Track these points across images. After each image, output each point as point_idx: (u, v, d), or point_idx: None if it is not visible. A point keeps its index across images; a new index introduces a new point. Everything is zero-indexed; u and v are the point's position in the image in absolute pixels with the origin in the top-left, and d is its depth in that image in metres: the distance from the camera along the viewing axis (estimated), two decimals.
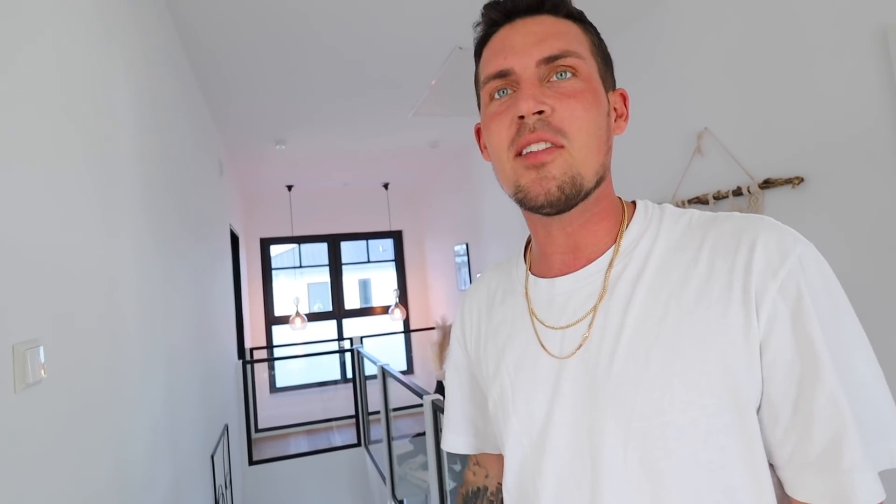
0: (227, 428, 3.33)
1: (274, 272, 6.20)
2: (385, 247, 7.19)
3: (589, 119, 0.53)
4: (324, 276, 6.57)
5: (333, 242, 6.39)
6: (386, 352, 6.36)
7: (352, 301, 7.18)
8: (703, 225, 0.54)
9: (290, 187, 5.75)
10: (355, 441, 4.81)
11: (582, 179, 0.53)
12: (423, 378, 6.29)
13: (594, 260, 0.57)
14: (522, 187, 0.54)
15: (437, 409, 2.33)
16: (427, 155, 4.90)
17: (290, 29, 2.35)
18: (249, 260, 5.87)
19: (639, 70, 2.54)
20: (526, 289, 0.62)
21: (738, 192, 2.05)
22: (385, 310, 6.28)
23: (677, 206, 2.62)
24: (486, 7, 0.59)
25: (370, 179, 5.94)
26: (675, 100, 2.33)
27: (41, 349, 0.87)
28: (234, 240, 4.67)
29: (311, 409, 5.75)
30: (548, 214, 0.55)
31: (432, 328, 6.20)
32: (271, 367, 6.07)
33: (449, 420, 0.74)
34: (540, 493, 0.55)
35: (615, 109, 0.59)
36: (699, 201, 2.23)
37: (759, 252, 0.48)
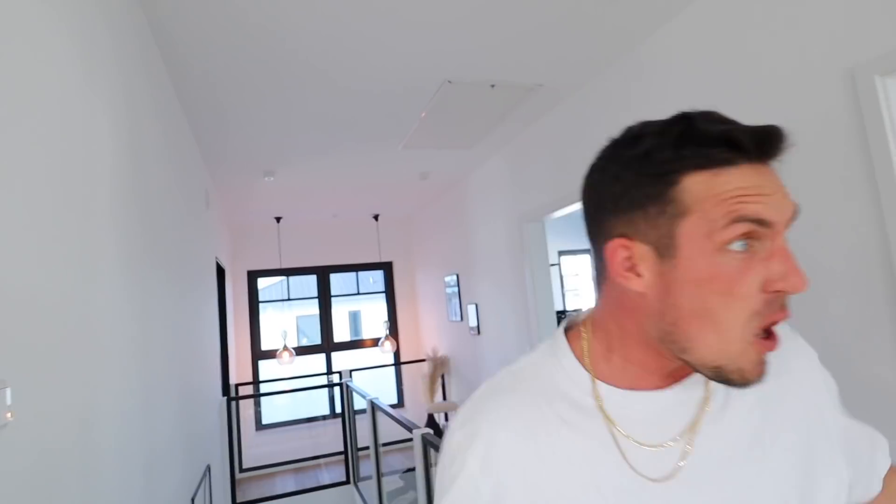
0: (209, 469, 3.21)
1: (261, 305, 6.11)
2: (375, 278, 7.14)
3: None
4: (313, 308, 6.49)
5: (322, 274, 6.34)
6: (376, 385, 6.24)
7: (342, 333, 7.08)
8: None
9: (278, 219, 5.73)
10: (344, 478, 4.66)
11: None
12: (414, 411, 6.16)
13: (686, 374, 0.54)
14: (745, 371, 0.47)
15: (428, 444, 2.26)
16: (417, 186, 4.92)
17: (281, 61, 2.37)
18: (236, 293, 5.79)
19: (624, 103, 2.59)
20: (600, 403, 0.53)
21: None
22: (375, 342, 6.19)
23: None
24: (737, 130, 0.47)
25: (360, 211, 5.93)
26: None
27: (8, 391, 0.82)
28: (221, 273, 4.61)
29: (299, 446, 5.59)
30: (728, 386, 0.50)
31: (423, 360, 6.12)
32: (257, 404, 5.91)
33: None
34: None
35: None
36: None
37: (818, 368, 0.62)
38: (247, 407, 5.68)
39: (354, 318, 15.16)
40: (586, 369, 0.55)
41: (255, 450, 5.48)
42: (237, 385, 5.22)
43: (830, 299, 1.76)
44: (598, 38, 2.40)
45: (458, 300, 5.13)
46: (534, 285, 3.57)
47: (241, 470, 5.08)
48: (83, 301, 1.19)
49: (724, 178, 0.46)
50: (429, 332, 6.26)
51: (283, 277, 6.43)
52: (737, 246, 0.46)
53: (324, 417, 6.09)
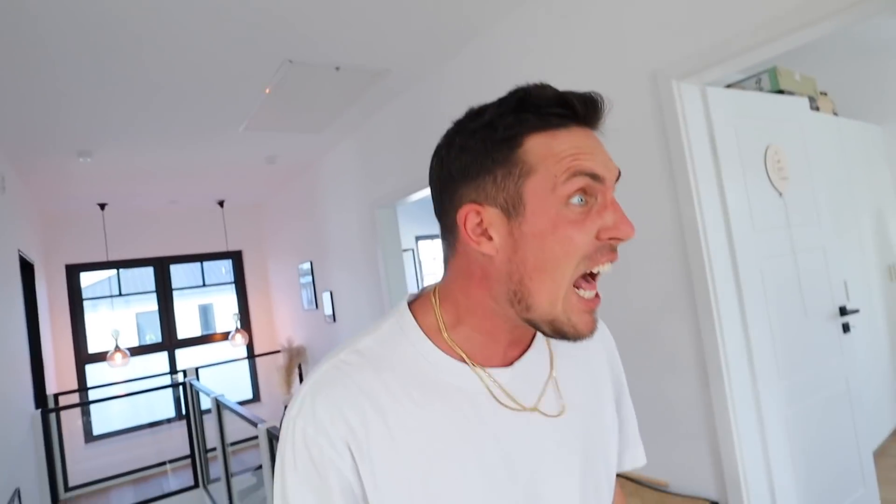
0: (17, 493, 2.78)
1: (87, 303, 5.38)
2: (227, 268, 6.67)
3: None
4: (154, 303, 5.88)
5: (161, 266, 5.74)
6: (229, 381, 5.87)
7: (191, 329, 6.49)
8: None
9: (102, 206, 5.05)
10: (192, 483, 4.34)
11: None
12: (271, 405, 5.92)
13: (528, 346, 0.62)
14: (573, 324, 0.53)
15: (273, 438, 2.18)
16: (264, 171, 4.65)
17: (95, 30, 2.07)
18: (52, 291, 5.03)
19: (470, 92, 2.70)
20: (482, 379, 0.56)
21: None
22: (226, 336, 5.80)
23: None
24: (570, 94, 0.52)
25: (202, 197, 5.46)
26: None
27: None
28: (28, 268, 3.96)
29: (142, 454, 5.06)
30: (564, 340, 0.56)
31: (278, 351, 5.88)
32: (86, 413, 5.22)
33: None
34: None
35: None
36: None
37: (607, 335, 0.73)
38: (73, 418, 5.00)
39: (205, 311, 14.08)
40: (440, 347, 0.57)
41: (85, 464, 4.85)
42: (56, 395, 4.55)
43: (640, 275, 2.02)
44: (443, 26, 2.45)
45: (312, 288, 5.00)
46: (386, 271, 3.60)
47: (67, 489, 4.47)
48: None
49: (560, 139, 0.52)
50: (283, 323, 6.02)
51: (113, 271, 5.72)
52: (575, 200, 0.51)
53: (168, 420, 5.59)
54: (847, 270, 2.70)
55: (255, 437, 5.53)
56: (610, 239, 0.52)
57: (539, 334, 0.62)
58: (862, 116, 3.49)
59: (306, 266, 5.06)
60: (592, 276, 0.54)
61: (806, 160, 2.27)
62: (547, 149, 0.51)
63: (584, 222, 0.51)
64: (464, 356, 0.57)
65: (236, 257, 6.20)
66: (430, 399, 0.55)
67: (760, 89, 2.57)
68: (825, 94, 3.26)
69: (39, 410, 3.73)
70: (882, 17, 1.45)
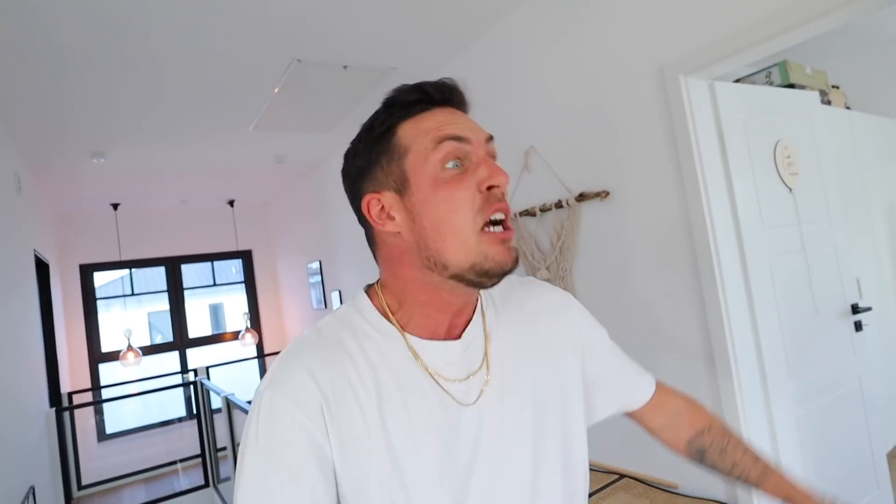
0: (32, 490, 2.82)
1: (100, 303, 5.45)
2: (237, 268, 6.72)
3: (508, 195, 0.62)
4: (166, 303, 5.94)
5: (173, 266, 5.80)
6: (239, 380, 5.91)
7: (202, 328, 6.54)
8: (528, 289, 0.75)
9: (115, 206, 5.11)
10: (202, 482, 4.37)
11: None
12: None
13: (471, 317, 0.66)
14: (491, 257, 0.57)
15: None
16: (274, 170, 4.69)
17: (106, 31, 2.10)
18: (66, 290, 5.10)
19: (475, 90, 2.68)
20: (416, 354, 0.61)
21: (559, 205, 2.24)
22: (236, 336, 5.85)
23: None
24: (424, 83, 0.60)
25: (213, 196, 5.51)
26: (506, 119, 2.50)
27: None
28: (44, 268, 4.02)
29: (153, 452, 5.12)
30: (493, 284, 0.60)
31: None
32: (99, 412, 5.29)
33: None
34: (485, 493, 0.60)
35: None
36: (528, 213, 2.40)
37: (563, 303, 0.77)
38: (86, 417, 5.07)
39: (216, 310, 14.20)
40: (392, 323, 0.62)
41: (98, 463, 4.92)
42: (70, 393, 4.62)
43: (646, 272, 2.00)
44: (450, 23, 2.45)
45: (321, 287, 5.02)
46: None
47: (80, 487, 4.53)
48: None
49: (425, 119, 0.60)
50: (293, 322, 6.06)
51: (126, 271, 5.79)
52: (450, 165, 0.58)
53: (180, 419, 5.64)
54: (859, 268, 2.66)
55: None
56: (489, 189, 0.58)
57: (477, 312, 0.67)
58: (874, 109, 3.44)
59: (315, 265, 5.09)
60: (494, 223, 0.59)
61: (816, 155, 2.24)
62: (415, 129, 0.60)
63: (462, 180, 0.58)
64: (399, 330, 0.62)
65: (246, 257, 6.25)
66: (384, 367, 0.60)
67: (770, 83, 2.54)
68: (837, 87, 3.22)
69: (54, 409, 3.78)
70: (893, 9, 1.43)
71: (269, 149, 4.03)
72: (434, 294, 0.62)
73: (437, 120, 0.59)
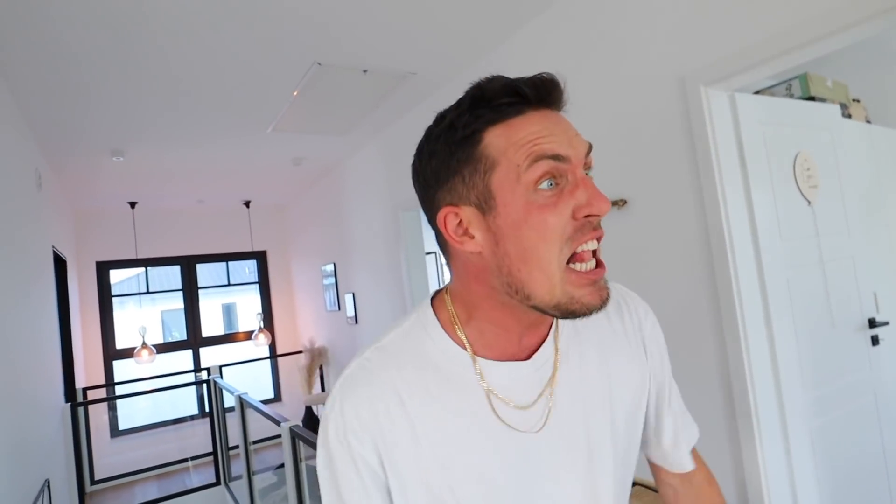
0: (47, 483, 2.87)
1: (116, 300, 5.52)
2: (251, 269, 6.78)
3: None
4: (180, 302, 6.01)
5: (188, 265, 5.87)
6: (251, 380, 5.96)
7: (214, 327, 6.59)
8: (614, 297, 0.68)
9: (133, 204, 5.19)
10: (214, 480, 4.41)
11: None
12: (292, 405, 5.99)
13: (546, 336, 0.61)
14: (577, 299, 0.52)
15: (296, 437, 2.21)
16: (291, 172, 4.73)
17: (128, 31, 2.15)
18: (83, 287, 5.18)
19: None
20: (481, 374, 0.58)
21: None
22: (249, 336, 5.89)
23: None
24: (518, 82, 0.52)
25: (229, 197, 5.57)
26: None
27: None
28: (61, 264, 4.09)
29: (165, 449, 5.17)
30: (579, 318, 0.54)
31: (300, 352, 5.95)
32: (112, 408, 5.35)
33: None
34: None
35: None
36: None
37: (643, 316, 0.70)
38: (99, 413, 5.13)
39: (228, 310, 14.29)
40: (455, 341, 0.59)
41: (111, 458, 4.98)
42: (85, 389, 4.69)
43: (662, 282, 2.00)
44: (470, 30, 2.47)
45: (335, 290, 5.05)
46: (409, 274, 3.63)
47: (94, 482, 4.58)
48: None
49: (517, 127, 0.52)
50: (305, 323, 6.10)
51: (141, 269, 5.87)
52: (544, 185, 0.51)
53: (192, 417, 5.69)
54: (877, 282, 2.63)
55: (277, 436, 5.60)
56: (586, 217, 0.51)
57: (552, 330, 0.62)
58: (894, 123, 3.41)
59: (329, 268, 5.12)
60: (587, 273, 0.54)
61: (836, 168, 2.23)
62: (506, 140, 0.51)
63: (557, 205, 0.51)
64: (468, 348, 0.58)
65: (261, 257, 6.30)
66: (443, 390, 0.57)
67: (791, 95, 2.53)
68: (858, 100, 3.19)
69: (69, 404, 3.83)
70: None
71: (287, 151, 4.08)
72: (509, 314, 0.57)
73: (533, 130, 0.51)
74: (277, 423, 2.37)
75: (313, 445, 2.11)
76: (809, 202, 2.13)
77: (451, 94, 2.68)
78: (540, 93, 0.53)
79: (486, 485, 0.56)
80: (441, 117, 0.56)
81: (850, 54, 3.24)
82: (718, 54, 1.75)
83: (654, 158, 1.98)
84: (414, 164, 0.59)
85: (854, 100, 3.15)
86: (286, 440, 2.25)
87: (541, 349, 0.60)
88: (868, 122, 3.21)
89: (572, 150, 0.52)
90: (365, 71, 2.77)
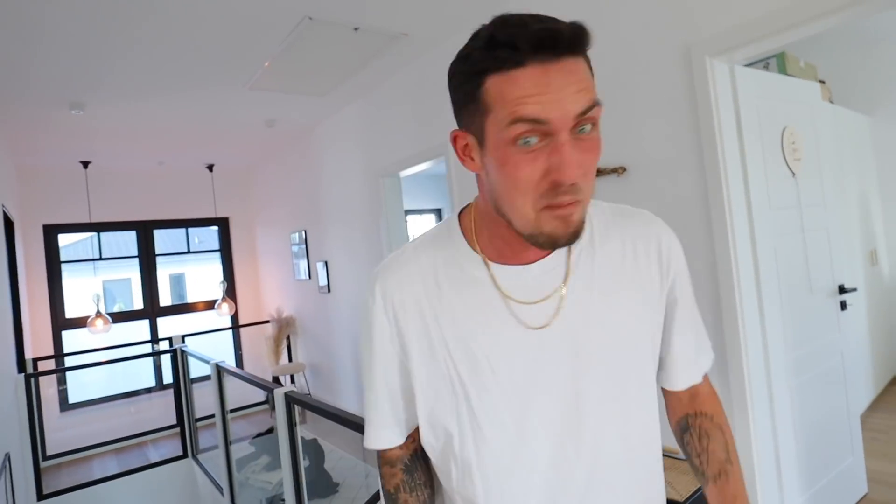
0: (8, 458, 2.70)
1: (64, 266, 5.17)
2: (202, 237, 6.50)
3: (595, 169, 0.58)
4: (123, 272, 5.71)
5: (145, 230, 5.56)
6: (211, 350, 5.77)
7: (163, 299, 6.30)
8: (618, 216, 0.72)
9: (86, 164, 4.84)
10: (180, 453, 4.28)
11: (585, 218, 0.60)
12: (257, 374, 5.85)
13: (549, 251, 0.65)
14: (546, 233, 0.57)
15: (292, 402, 2.17)
16: (261, 135, 4.53)
17: None
18: (28, 252, 4.82)
19: None
20: (492, 277, 0.65)
21: None
22: (209, 305, 5.69)
23: None
24: (518, 34, 0.52)
25: (192, 159, 5.29)
26: None
27: None
28: (9, 226, 3.79)
29: (120, 423, 4.95)
30: (551, 249, 0.61)
31: (266, 322, 5.80)
32: (62, 381, 5.06)
33: (378, 416, 0.71)
34: (536, 452, 0.64)
35: None
36: None
37: (664, 241, 0.72)
38: (47, 386, 4.84)
39: (178, 281, 13.77)
40: (473, 248, 0.67)
41: (62, 433, 4.73)
42: (35, 360, 4.40)
43: None
44: None
45: (305, 258, 4.93)
46: (389, 241, 3.58)
47: (45, 458, 4.35)
48: None
49: (511, 82, 0.53)
50: (271, 292, 5.94)
51: (93, 234, 5.51)
52: (521, 142, 0.53)
53: (149, 390, 5.48)
54: (843, 252, 2.82)
55: (249, 406, 5.47)
56: (553, 181, 0.54)
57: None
58: (852, 105, 3.62)
59: (299, 235, 4.98)
60: (557, 207, 0.57)
61: (815, 143, 2.35)
62: (499, 92, 0.54)
63: (533, 162, 0.54)
64: (480, 254, 0.66)
65: (223, 224, 6.05)
66: (464, 284, 0.66)
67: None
68: (823, 82, 3.36)
69: (23, 375, 3.60)
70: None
71: (260, 112, 3.89)
72: (507, 231, 0.62)
73: (524, 87, 0.52)
74: (270, 390, 2.31)
75: (312, 409, 2.08)
76: (794, 174, 2.23)
77: (440, 58, 2.66)
78: (540, 46, 0.52)
79: (495, 376, 0.63)
80: (472, 37, 0.58)
81: (817, 36, 3.39)
82: (723, 26, 1.78)
83: (655, 126, 2.02)
84: (450, 72, 0.61)
85: (820, 80, 3.31)
86: (280, 406, 2.20)
87: (549, 256, 0.65)
88: (831, 102, 3.39)
89: (559, 112, 0.52)
90: (356, 29, 2.66)
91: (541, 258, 0.65)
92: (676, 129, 1.96)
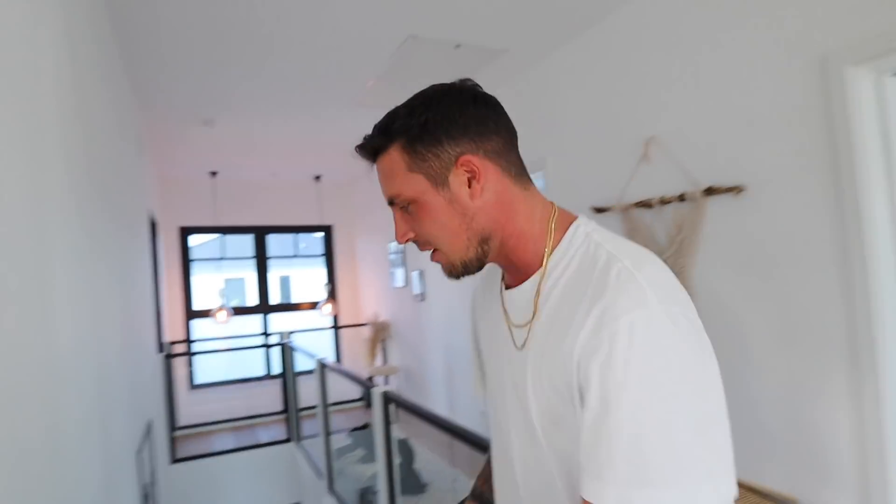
0: (150, 424, 3.11)
1: (193, 264, 5.84)
2: (307, 242, 6.99)
3: (438, 226, 0.68)
4: (240, 271, 6.30)
5: (259, 235, 6.13)
6: (312, 347, 6.20)
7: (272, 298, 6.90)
8: (600, 283, 0.59)
9: (213, 174, 5.44)
10: (285, 437, 4.66)
11: (457, 264, 0.70)
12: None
13: (531, 276, 0.70)
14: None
15: (388, 401, 2.31)
16: None
17: (230, 4, 2.24)
18: (168, 250, 5.50)
19: (590, 76, 2.64)
20: (501, 294, 0.76)
21: (682, 198, 2.14)
22: (312, 306, 6.12)
23: (623, 209, 2.58)
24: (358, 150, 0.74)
25: (301, 171, 5.75)
26: (625, 107, 2.43)
27: None
28: (153, 226, 4.36)
29: (234, 406, 5.50)
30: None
31: (363, 324, 6.13)
32: (190, 363, 5.73)
33: (476, 368, 0.91)
34: (509, 414, 0.73)
35: (468, 178, 0.67)
36: (645, 205, 2.30)
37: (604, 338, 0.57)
38: (179, 366, 5.50)
39: (285, 282, 14.81)
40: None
41: (190, 408, 5.35)
42: (171, 343, 5.02)
43: (781, 271, 1.88)
44: (568, 7, 2.43)
45: (402, 267, 5.16)
46: None
47: (177, 428, 4.94)
48: (39, 254, 1.10)
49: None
50: (369, 298, 6.26)
51: (218, 235, 6.17)
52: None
53: (259, 379, 6.00)
54: None
55: (345, 402, 5.77)
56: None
57: (537, 273, 0.69)
58: None
59: (396, 245, 5.23)
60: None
61: None
62: None
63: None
64: (501, 274, 0.78)
65: (327, 231, 6.49)
66: (494, 296, 0.79)
67: None
68: None
69: (162, 354, 4.12)
70: None
71: (365, 127, 4.03)
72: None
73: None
74: (368, 388, 2.47)
75: (407, 409, 2.19)
76: None
77: (541, 73, 2.76)
78: (365, 155, 0.74)
79: (492, 380, 0.78)
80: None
81: None
82: (867, 32, 1.57)
83: (779, 142, 1.84)
84: None
85: None
86: (377, 404, 2.35)
87: (526, 283, 0.70)
88: None
89: (384, 195, 0.72)
90: (457, 46, 2.79)
91: (518, 283, 0.71)
92: (805, 144, 1.76)
